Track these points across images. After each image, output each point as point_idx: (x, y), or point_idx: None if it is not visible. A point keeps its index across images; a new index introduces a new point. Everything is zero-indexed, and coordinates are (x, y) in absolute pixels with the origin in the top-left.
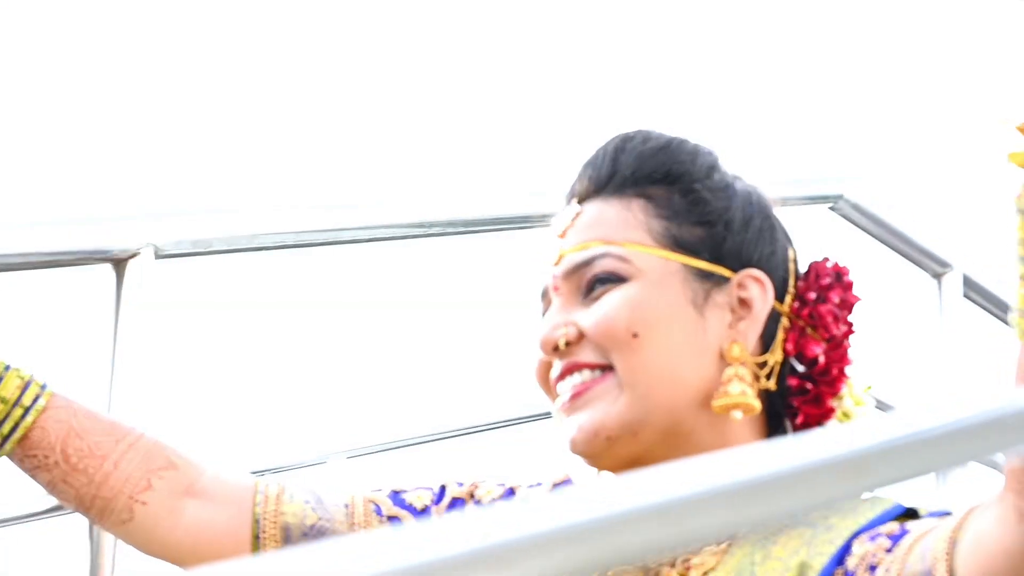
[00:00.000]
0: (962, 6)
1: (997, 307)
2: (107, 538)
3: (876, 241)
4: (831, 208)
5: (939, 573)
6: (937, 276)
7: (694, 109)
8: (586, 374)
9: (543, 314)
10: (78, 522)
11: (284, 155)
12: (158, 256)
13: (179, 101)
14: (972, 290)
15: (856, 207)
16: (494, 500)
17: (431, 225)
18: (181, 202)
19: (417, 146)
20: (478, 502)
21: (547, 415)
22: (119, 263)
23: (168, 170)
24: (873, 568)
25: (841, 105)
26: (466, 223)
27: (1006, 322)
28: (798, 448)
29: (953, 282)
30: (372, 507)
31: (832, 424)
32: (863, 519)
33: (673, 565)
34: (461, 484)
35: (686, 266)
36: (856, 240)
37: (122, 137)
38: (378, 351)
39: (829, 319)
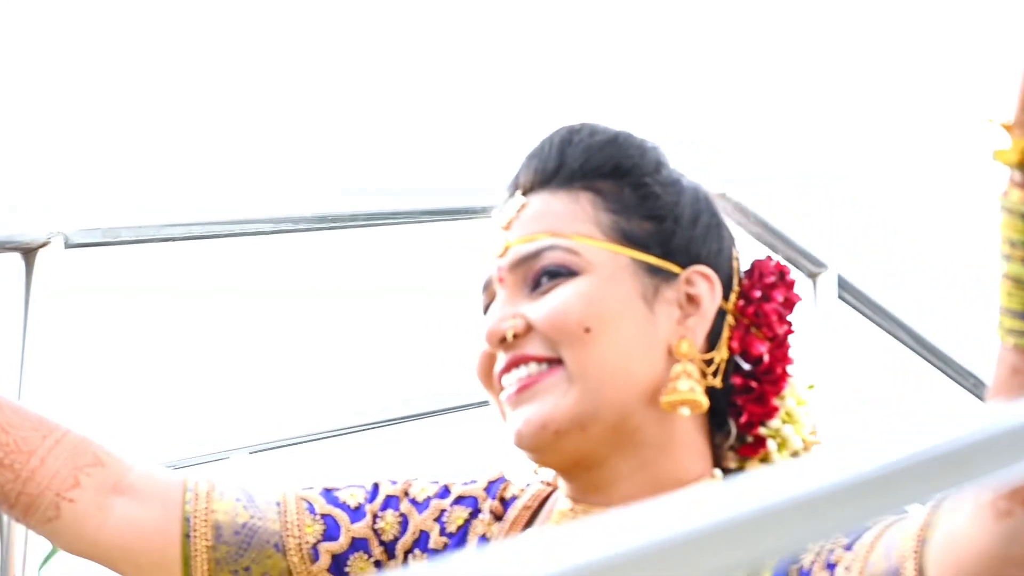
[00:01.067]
0: (857, 8)
1: (871, 308)
2: (18, 532)
3: (754, 239)
4: None
5: (907, 572)
6: (812, 276)
7: (588, 102)
8: (533, 367)
9: (485, 306)
10: None
11: (193, 147)
12: (68, 246)
13: (89, 93)
14: (846, 291)
15: (736, 206)
16: (429, 498)
17: (336, 217)
18: (91, 192)
19: (327, 138)
20: (413, 500)
21: (456, 409)
22: (28, 252)
23: (78, 161)
24: (832, 566)
25: (724, 103)
26: (369, 216)
27: (879, 324)
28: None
29: (828, 282)
30: (305, 505)
31: (780, 426)
32: None
33: None
34: (394, 482)
35: (635, 261)
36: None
37: (32, 128)
38: (286, 341)
39: (774, 318)
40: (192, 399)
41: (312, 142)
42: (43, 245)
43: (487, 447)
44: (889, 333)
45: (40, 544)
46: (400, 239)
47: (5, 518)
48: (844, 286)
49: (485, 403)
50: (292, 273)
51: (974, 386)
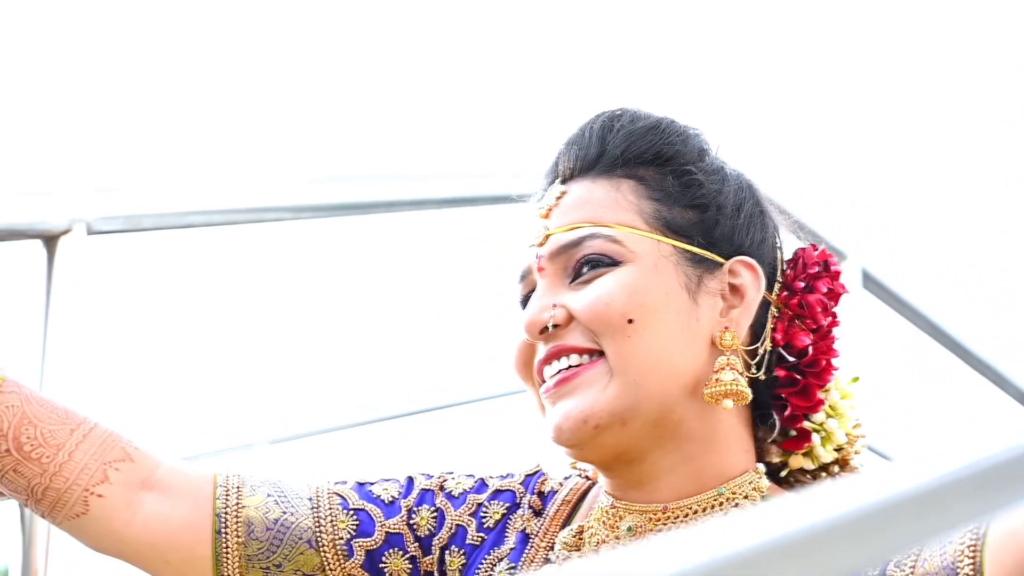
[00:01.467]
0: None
1: (894, 299)
2: (40, 526)
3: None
4: None
5: (963, 567)
6: None
7: (587, 101)
8: (574, 359)
9: (523, 296)
10: (8, 510)
11: (215, 134)
12: (90, 233)
13: (110, 83)
14: (871, 282)
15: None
16: (465, 492)
17: (358, 205)
18: (112, 179)
19: (346, 126)
20: (448, 495)
21: (481, 400)
22: (50, 240)
23: (99, 148)
24: (882, 564)
25: (724, 103)
26: (389, 204)
27: (902, 313)
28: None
29: (849, 271)
30: (338, 500)
31: (823, 418)
32: None
33: None
34: (429, 476)
35: (678, 250)
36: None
37: (54, 115)
38: (309, 329)
39: (818, 309)
40: (214, 387)
41: (332, 129)
42: (65, 232)
43: (521, 435)
44: (914, 325)
45: (64, 541)
46: (435, 226)
47: (27, 514)
48: (869, 278)
49: (519, 392)
50: (316, 261)
51: (974, 364)
